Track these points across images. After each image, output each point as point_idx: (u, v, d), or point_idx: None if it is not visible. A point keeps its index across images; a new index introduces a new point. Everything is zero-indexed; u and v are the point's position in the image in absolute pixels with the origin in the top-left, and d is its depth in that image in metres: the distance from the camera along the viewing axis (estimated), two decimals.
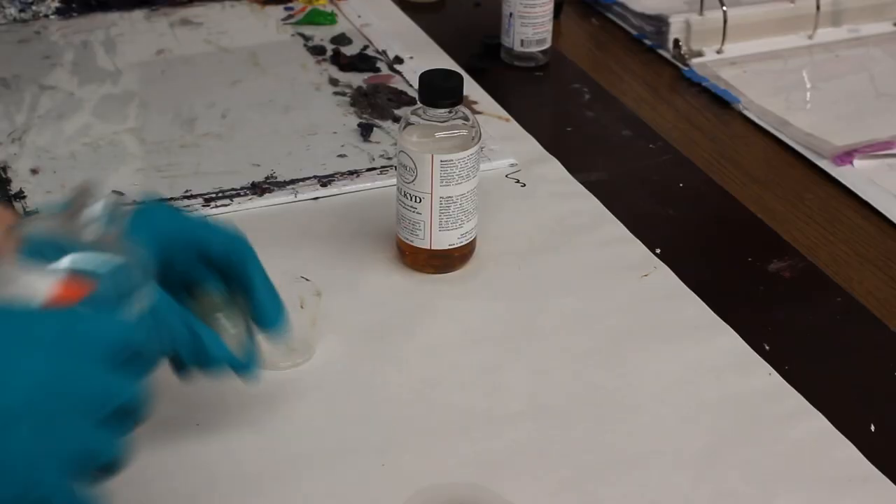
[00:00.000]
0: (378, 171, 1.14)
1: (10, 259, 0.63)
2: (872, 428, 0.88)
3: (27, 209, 1.06)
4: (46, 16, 1.42)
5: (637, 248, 1.05)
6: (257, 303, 0.80)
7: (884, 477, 0.83)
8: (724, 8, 1.38)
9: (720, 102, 1.31)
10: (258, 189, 1.11)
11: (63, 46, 1.35)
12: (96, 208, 0.65)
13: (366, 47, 1.36)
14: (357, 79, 1.30)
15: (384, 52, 1.35)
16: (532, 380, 0.91)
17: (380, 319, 0.96)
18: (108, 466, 0.62)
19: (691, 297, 1.00)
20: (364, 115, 1.23)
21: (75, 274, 0.63)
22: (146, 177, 1.12)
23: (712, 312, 0.98)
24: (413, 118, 0.98)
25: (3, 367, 0.58)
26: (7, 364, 0.58)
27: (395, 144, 1.11)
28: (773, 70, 1.37)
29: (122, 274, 0.65)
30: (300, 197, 1.10)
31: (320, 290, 0.92)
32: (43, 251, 0.63)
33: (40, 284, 0.62)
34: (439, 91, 0.97)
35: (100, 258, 0.64)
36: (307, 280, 0.93)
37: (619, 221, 1.09)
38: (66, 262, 0.63)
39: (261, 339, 0.82)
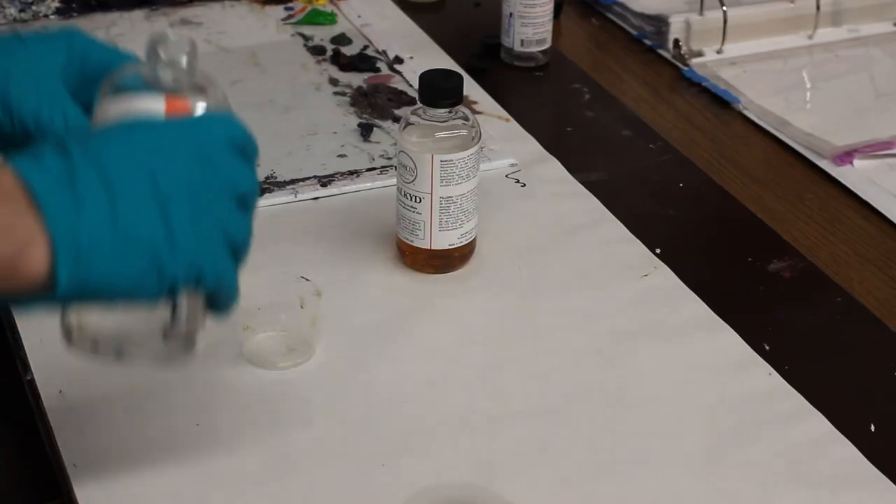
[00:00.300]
0: (378, 171, 1.14)
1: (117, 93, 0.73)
2: (872, 428, 0.88)
3: None
4: (46, 16, 1.42)
5: (637, 248, 1.05)
6: None
7: (884, 477, 0.83)
8: (724, 8, 1.38)
9: (720, 102, 1.31)
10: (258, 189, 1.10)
11: None
12: (171, 53, 0.73)
13: (366, 47, 1.36)
14: (357, 79, 1.30)
15: (384, 52, 1.35)
16: (532, 380, 0.91)
17: (380, 319, 0.96)
18: (241, 248, 0.72)
19: (691, 297, 1.00)
20: (364, 115, 1.23)
21: (174, 94, 0.73)
22: None
23: (712, 312, 0.98)
24: (413, 118, 0.98)
25: (163, 166, 0.67)
26: (165, 163, 0.67)
27: (395, 144, 1.11)
28: (773, 70, 1.37)
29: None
30: (300, 197, 1.10)
31: (320, 290, 0.92)
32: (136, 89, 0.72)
33: (155, 104, 0.72)
34: (439, 91, 0.97)
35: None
36: (307, 280, 0.93)
37: (619, 221, 1.09)
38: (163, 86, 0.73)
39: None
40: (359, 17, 1.43)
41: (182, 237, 0.67)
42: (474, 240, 1.02)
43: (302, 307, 0.92)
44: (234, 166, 0.70)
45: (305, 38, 1.39)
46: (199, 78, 0.75)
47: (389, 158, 1.16)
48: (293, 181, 1.12)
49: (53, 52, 0.78)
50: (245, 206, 0.71)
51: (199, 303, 0.72)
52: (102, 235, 0.65)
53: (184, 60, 0.74)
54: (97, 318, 0.71)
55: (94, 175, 0.65)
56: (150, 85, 0.73)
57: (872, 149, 1.20)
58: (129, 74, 0.75)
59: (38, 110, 0.76)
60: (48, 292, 0.64)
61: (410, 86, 1.28)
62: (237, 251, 0.71)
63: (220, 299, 0.72)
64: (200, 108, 0.73)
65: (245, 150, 0.72)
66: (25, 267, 0.63)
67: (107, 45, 0.80)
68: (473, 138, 0.98)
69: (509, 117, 1.24)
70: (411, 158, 0.98)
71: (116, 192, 0.65)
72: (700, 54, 1.39)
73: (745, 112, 1.28)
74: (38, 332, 0.92)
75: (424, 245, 1.00)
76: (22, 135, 0.77)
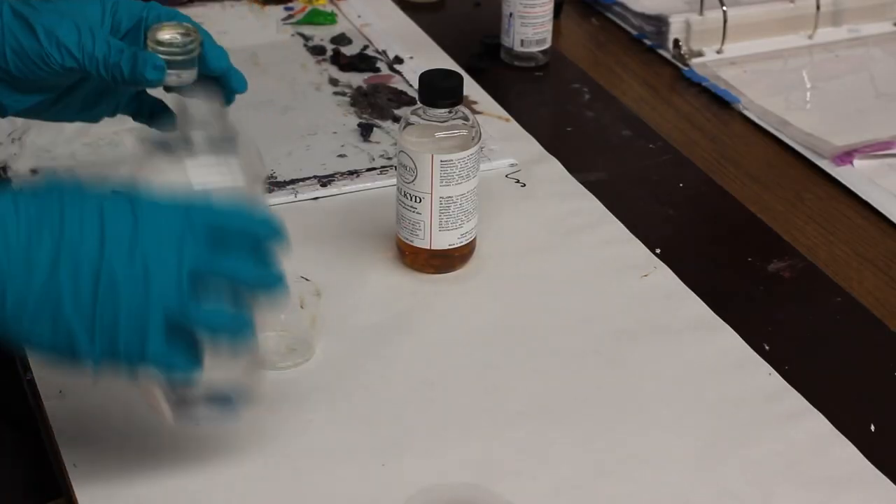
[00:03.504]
0: (378, 171, 1.14)
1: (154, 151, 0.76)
2: (872, 428, 0.88)
3: None
4: None
5: (637, 248, 1.05)
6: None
7: (884, 477, 0.83)
8: (724, 8, 1.38)
9: (720, 102, 1.31)
10: None
11: None
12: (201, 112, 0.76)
13: (366, 47, 1.36)
14: (357, 79, 1.30)
15: (384, 52, 1.35)
16: (532, 380, 0.91)
17: (380, 319, 0.96)
18: (220, 332, 0.75)
19: (691, 297, 1.00)
20: (364, 115, 1.23)
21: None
22: None
23: (712, 312, 0.98)
24: (413, 118, 0.98)
25: (117, 247, 0.72)
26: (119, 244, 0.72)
27: (395, 144, 1.11)
28: (773, 70, 1.37)
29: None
30: (300, 197, 1.10)
31: (320, 290, 0.92)
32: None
33: (183, 172, 0.75)
34: (439, 91, 0.97)
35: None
36: (307, 280, 0.93)
37: (619, 221, 1.09)
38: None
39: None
40: (359, 17, 1.43)
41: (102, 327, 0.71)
42: (474, 240, 1.02)
43: (302, 307, 0.92)
44: (204, 259, 0.73)
45: (305, 38, 1.39)
46: (230, 132, 0.76)
47: (389, 158, 1.16)
48: (293, 181, 1.12)
49: (90, 4, 0.91)
50: (237, 297, 0.75)
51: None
52: (29, 299, 0.70)
53: (213, 119, 0.76)
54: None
55: (51, 237, 0.70)
56: (181, 146, 0.75)
57: (872, 149, 1.20)
58: (166, 133, 0.77)
59: (80, 39, 0.88)
60: None
61: (410, 86, 1.28)
62: (219, 334, 0.74)
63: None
64: (231, 166, 0.75)
65: (258, 241, 0.76)
66: None
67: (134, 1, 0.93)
68: (473, 138, 0.98)
69: (509, 117, 1.24)
70: (411, 158, 0.98)
71: (61, 263, 0.70)
72: (700, 54, 1.39)
73: (745, 112, 1.29)
74: None
75: (424, 245, 1.00)
76: (76, 67, 0.89)
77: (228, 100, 1.00)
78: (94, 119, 0.99)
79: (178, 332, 0.72)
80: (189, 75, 0.94)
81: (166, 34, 0.92)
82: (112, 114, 1.00)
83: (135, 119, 1.02)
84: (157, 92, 0.95)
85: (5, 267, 0.70)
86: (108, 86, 0.94)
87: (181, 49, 0.92)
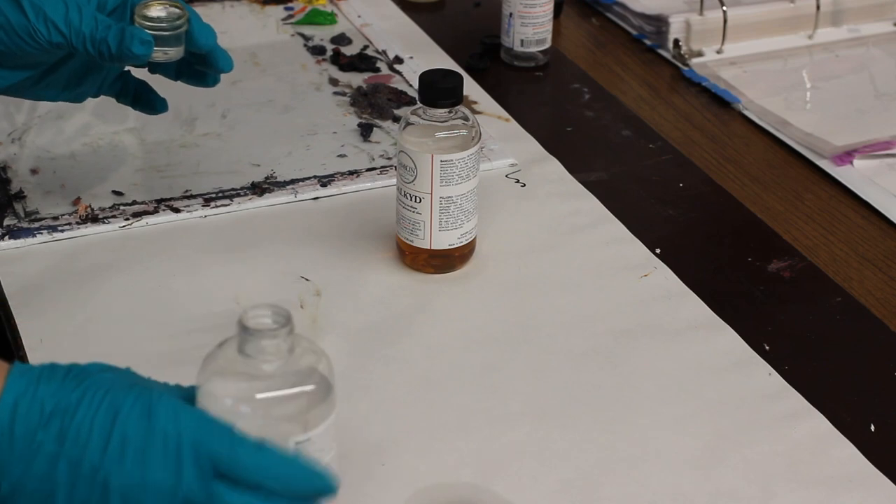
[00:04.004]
0: (378, 171, 1.14)
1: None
2: (872, 428, 0.88)
3: (27, 209, 1.06)
4: None
5: (637, 248, 1.05)
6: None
7: (884, 477, 0.83)
8: (724, 8, 1.38)
9: (720, 102, 1.31)
10: (258, 189, 1.11)
11: None
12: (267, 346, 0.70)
13: (366, 47, 1.36)
14: (357, 79, 1.30)
15: (384, 52, 1.35)
16: (532, 380, 0.91)
17: (380, 319, 0.96)
18: None
19: (691, 297, 1.00)
20: (364, 115, 1.23)
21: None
22: (146, 177, 1.12)
23: (712, 312, 0.98)
24: (413, 118, 0.98)
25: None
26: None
27: (395, 144, 1.11)
28: (773, 70, 1.37)
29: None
30: (300, 197, 1.10)
31: (320, 289, 0.92)
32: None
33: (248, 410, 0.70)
34: (439, 91, 0.97)
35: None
36: (307, 280, 0.93)
37: (619, 221, 1.09)
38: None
39: None
40: (359, 17, 1.43)
41: None
42: (474, 240, 1.02)
43: (302, 307, 0.92)
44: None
45: (305, 38, 1.39)
46: (305, 354, 0.72)
47: (389, 158, 1.16)
48: (293, 181, 1.12)
49: None
50: None
51: None
52: (28, 488, 0.67)
53: (286, 348, 0.71)
54: None
55: (55, 436, 0.67)
56: (250, 374, 0.70)
57: (872, 149, 1.20)
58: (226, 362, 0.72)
59: (67, 14, 0.89)
60: None
61: (410, 86, 1.28)
62: None
63: None
64: (304, 393, 0.71)
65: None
66: None
67: None
68: (473, 138, 0.98)
69: (509, 117, 1.24)
70: (411, 158, 0.98)
71: (59, 465, 0.67)
72: (700, 54, 1.39)
73: (745, 112, 1.29)
74: (38, 332, 0.93)
75: (424, 245, 1.00)
76: (62, 43, 0.90)
77: (214, 79, 1.00)
78: (78, 99, 1.00)
79: None
80: (176, 52, 0.94)
81: (154, 10, 0.92)
82: (96, 94, 1.00)
83: (118, 100, 1.02)
84: (141, 73, 0.95)
85: (7, 456, 0.67)
86: (94, 63, 0.94)
87: (169, 24, 0.92)
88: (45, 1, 0.90)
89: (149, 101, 1.03)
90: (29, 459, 0.67)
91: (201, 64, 0.99)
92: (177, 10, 0.93)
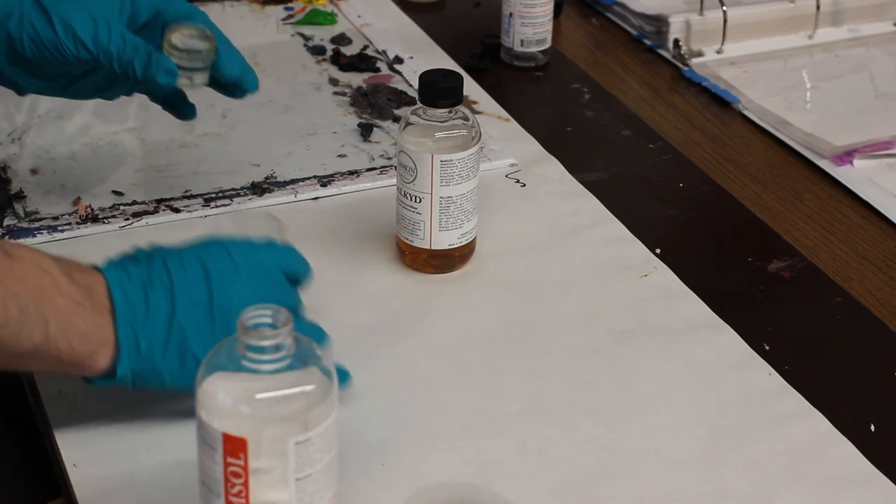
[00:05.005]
0: (378, 171, 1.14)
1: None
2: (872, 428, 0.88)
3: (27, 209, 1.06)
4: None
5: (637, 248, 1.05)
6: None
7: (884, 477, 0.83)
8: (724, 8, 1.38)
9: (720, 102, 1.31)
10: (258, 189, 1.11)
11: None
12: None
13: (366, 47, 1.36)
14: (357, 79, 1.30)
15: (384, 52, 1.35)
16: (532, 380, 0.91)
17: (380, 319, 0.96)
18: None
19: (691, 297, 1.00)
20: (364, 115, 1.23)
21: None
22: (146, 177, 1.12)
23: (712, 312, 0.98)
24: (413, 118, 0.98)
25: (221, 286, 0.81)
26: (225, 284, 0.82)
27: (395, 144, 1.11)
28: (773, 70, 1.37)
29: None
30: (300, 197, 1.10)
31: (320, 289, 0.92)
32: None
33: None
34: (439, 91, 0.97)
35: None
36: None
37: (619, 221, 1.09)
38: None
39: None
40: (359, 17, 1.43)
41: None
42: (474, 240, 1.02)
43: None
44: (283, 289, 0.84)
45: (305, 38, 1.39)
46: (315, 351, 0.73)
47: (389, 158, 1.16)
48: (293, 181, 1.12)
49: None
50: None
51: None
52: (158, 342, 0.79)
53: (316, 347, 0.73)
54: None
55: (164, 289, 0.79)
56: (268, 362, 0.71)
57: (872, 149, 1.20)
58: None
59: (96, 32, 0.91)
60: (108, 378, 0.79)
61: (410, 86, 1.28)
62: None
63: None
64: (316, 378, 0.72)
65: (295, 276, 0.86)
66: (93, 363, 0.78)
67: None
68: (473, 138, 0.98)
69: (509, 117, 1.24)
70: (411, 158, 0.98)
71: (177, 306, 0.79)
72: (700, 54, 1.39)
73: (745, 112, 1.29)
74: None
75: (424, 245, 1.00)
76: (89, 59, 0.92)
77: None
78: (111, 98, 1.02)
79: None
80: (201, 78, 0.95)
81: (182, 39, 0.93)
82: (129, 93, 1.01)
83: (151, 99, 1.03)
84: None
85: (132, 321, 0.78)
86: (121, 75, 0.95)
87: (195, 56, 0.93)
88: (75, 16, 0.91)
89: (175, 106, 1.03)
90: (153, 320, 0.78)
91: (227, 87, 0.99)
92: (205, 40, 0.93)
